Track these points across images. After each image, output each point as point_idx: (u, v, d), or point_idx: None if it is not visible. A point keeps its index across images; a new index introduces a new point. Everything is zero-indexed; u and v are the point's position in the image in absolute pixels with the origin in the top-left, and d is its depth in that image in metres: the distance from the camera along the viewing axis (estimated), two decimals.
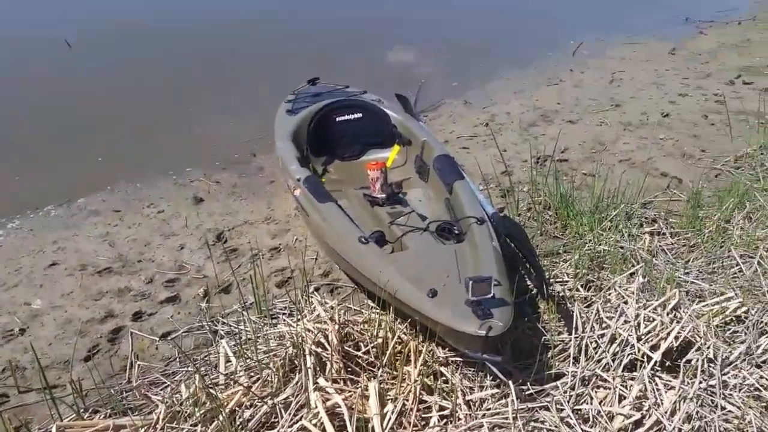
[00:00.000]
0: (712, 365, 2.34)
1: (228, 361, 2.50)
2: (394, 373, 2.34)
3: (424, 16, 9.00)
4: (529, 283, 2.94)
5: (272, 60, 6.90)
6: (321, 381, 2.25)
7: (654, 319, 2.54)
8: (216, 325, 2.87)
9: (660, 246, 3.26)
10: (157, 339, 2.83)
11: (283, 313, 2.87)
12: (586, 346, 2.47)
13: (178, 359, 2.67)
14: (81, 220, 3.95)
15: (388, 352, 2.39)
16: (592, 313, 2.65)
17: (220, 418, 2.10)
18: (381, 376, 2.33)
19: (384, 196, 3.36)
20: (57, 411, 2.26)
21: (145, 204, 4.12)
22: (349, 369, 2.38)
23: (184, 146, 4.95)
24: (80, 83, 6.38)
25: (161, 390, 2.45)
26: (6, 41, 7.58)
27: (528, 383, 2.29)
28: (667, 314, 2.55)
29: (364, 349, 2.45)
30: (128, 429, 2.14)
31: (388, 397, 2.21)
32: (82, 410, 2.32)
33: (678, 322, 2.51)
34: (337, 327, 2.47)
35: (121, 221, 3.91)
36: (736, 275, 2.94)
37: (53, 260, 3.49)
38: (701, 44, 7.39)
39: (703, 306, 2.65)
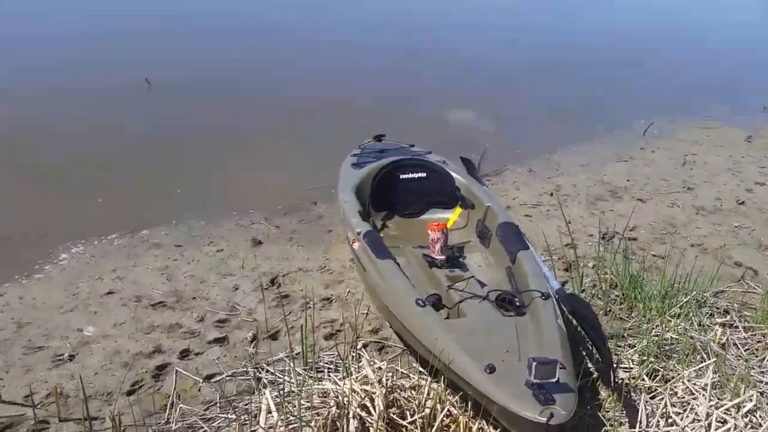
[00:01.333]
0: None
1: (269, 412, 2.42)
2: None
3: (490, 78, 9.08)
4: (591, 365, 2.76)
5: (341, 112, 7.05)
6: None
7: (727, 421, 2.33)
8: (260, 373, 2.82)
9: (732, 339, 3.04)
10: (201, 380, 2.79)
11: (329, 368, 2.79)
12: None
13: (219, 404, 2.61)
14: (142, 251, 4.02)
15: (435, 425, 2.27)
16: (658, 406, 2.46)
17: None
18: None
19: (443, 258, 3.29)
20: None
21: (206, 241, 4.18)
22: None
23: (248, 188, 5.04)
24: (158, 120, 6.68)
25: None
26: (92, 78, 8.05)
27: None
28: (743, 417, 2.34)
29: (410, 419, 2.33)
30: None
31: None
32: None
33: (754, 428, 2.29)
34: (384, 391, 2.37)
35: (181, 256, 3.96)
36: None
37: (110, 289, 3.55)
38: None
39: None
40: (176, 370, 2.85)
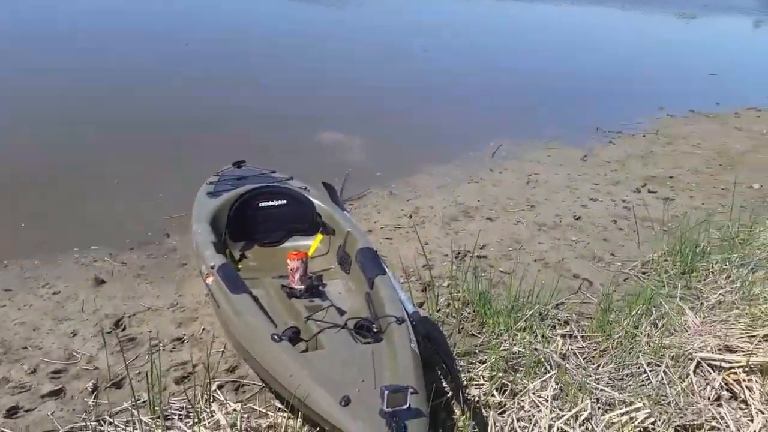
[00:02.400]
0: None
1: None
2: None
3: (351, 106, 9.25)
4: (445, 385, 2.86)
5: (197, 139, 6.78)
6: None
7: None
8: (102, 425, 2.59)
9: (572, 349, 3.29)
10: None
11: (180, 415, 2.63)
12: None
13: None
14: None
15: None
16: (506, 422, 2.59)
17: None
18: None
19: (303, 287, 3.25)
20: None
21: (41, 283, 3.79)
22: None
23: (90, 221, 4.66)
24: None
25: None
26: None
27: None
28: (580, 426, 2.54)
29: None
30: None
31: None
32: None
33: None
34: None
35: (10, 301, 3.56)
36: (643, 383, 2.98)
37: None
38: (610, 153, 7.94)
39: (614, 416, 2.65)
40: (2, 431, 2.54)
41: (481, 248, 4.60)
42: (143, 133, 6.72)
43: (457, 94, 10.57)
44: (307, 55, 12.05)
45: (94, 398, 2.79)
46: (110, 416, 2.63)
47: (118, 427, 2.55)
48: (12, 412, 2.69)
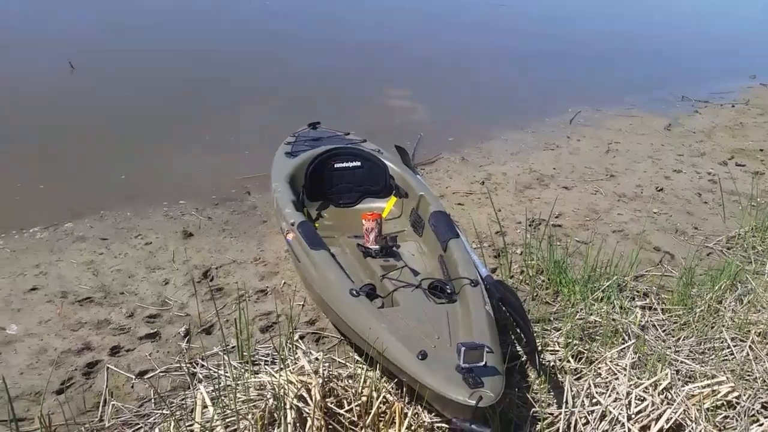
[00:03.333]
0: None
1: (205, 407, 2.40)
2: None
3: (427, 70, 9.18)
4: (519, 349, 2.89)
5: (275, 100, 6.97)
6: None
7: (645, 399, 2.50)
8: (195, 368, 2.78)
9: (651, 321, 3.24)
10: (134, 377, 2.73)
11: (266, 361, 2.79)
12: (576, 421, 2.41)
13: (153, 400, 2.56)
14: (66, 245, 3.85)
15: (372, 412, 2.32)
16: (582, 387, 2.60)
17: None
18: None
19: (377, 247, 3.33)
20: None
21: (134, 234, 4.04)
22: (331, 427, 2.29)
23: (178, 177, 4.91)
24: (80, 105, 6.38)
25: None
26: (10, 60, 7.60)
27: None
28: (659, 394, 2.51)
29: (347, 407, 2.37)
30: None
31: None
32: None
33: (669, 404, 2.47)
34: (320, 381, 2.39)
35: (107, 250, 3.82)
36: (726, 358, 2.91)
37: (34, 285, 3.39)
38: (696, 123, 7.57)
39: (694, 388, 2.61)
40: (107, 367, 2.77)
41: (556, 217, 4.54)
42: (215, 100, 6.96)
43: (534, 57, 10.29)
44: (384, 19, 12.00)
45: (187, 342, 2.99)
46: (202, 359, 2.82)
47: (210, 369, 2.74)
48: (115, 350, 2.92)
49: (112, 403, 2.53)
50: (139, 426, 2.39)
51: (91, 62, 7.76)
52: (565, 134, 6.80)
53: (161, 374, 2.75)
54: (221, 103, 6.78)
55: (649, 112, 7.90)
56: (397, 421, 2.28)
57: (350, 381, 2.52)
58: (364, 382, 2.45)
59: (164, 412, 2.44)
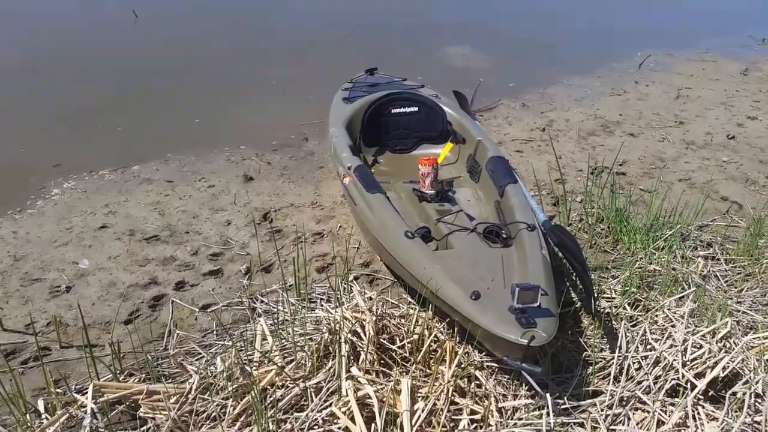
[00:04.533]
0: (759, 401, 2.22)
1: (264, 339, 2.51)
2: (428, 371, 2.31)
3: (487, 14, 8.87)
4: (574, 295, 2.86)
5: (331, 47, 6.93)
6: (354, 370, 2.24)
7: (702, 346, 2.44)
8: (255, 303, 2.90)
9: (713, 271, 3.13)
10: (197, 310, 2.88)
11: (321, 299, 2.88)
12: (628, 366, 2.39)
13: (215, 332, 2.70)
14: (134, 186, 4.04)
15: (423, 349, 2.37)
16: (637, 333, 2.56)
17: (252, 394, 2.11)
18: (414, 372, 2.30)
19: (433, 192, 3.32)
20: (95, 370, 2.31)
21: (197, 177, 4.18)
22: (383, 362, 2.36)
23: (239, 123, 5.01)
24: (146, 54, 6.54)
25: (196, 360, 2.49)
26: (75, 11, 7.83)
27: (564, 398, 2.23)
28: (717, 342, 2.45)
29: (399, 344, 2.43)
30: (161, 395, 2.17)
31: (419, 395, 2.17)
32: (118, 372, 2.37)
33: (727, 352, 2.40)
34: (374, 318, 2.45)
35: (172, 191, 3.98)
36: None
37: (103, 223, 3.58)
38: None
39: (755, 338, 2.52)
40: (172, 300, 2.93)
41: (620, 164, 4.38)
42: (274, 47, 6.99)
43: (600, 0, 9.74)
44: None
45: (248, 279, 3.11)
46: (262, 295, 2.94)
47: (269, 305, 2.85)
48: (179, 285, 3.08)
49: (176, 333, 2.69)
50: (201, 355, 2.53)
51: (154, 10, 7.90)
52: (633, 79, 6.49)
53: (223, 308, 2.89)
54: (284, 52, 6.80)
55: (724, 56, 7.39)
56: (447, 358, 2.32)
57: (402, 320, 2.57)
58: (416, 321, 2.49)
59: (225, 342, 2.57)
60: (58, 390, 2.25)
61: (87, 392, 2.16)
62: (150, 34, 7.23)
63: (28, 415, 2.13)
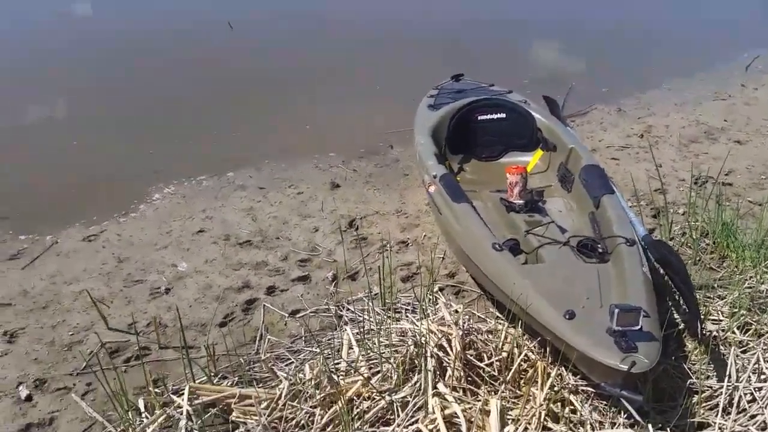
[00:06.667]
0: None
1: (350, 348, 2.52)
2: (518, 392, 2.23)
3: (577, 9, 8.55)
4: (677, 316, 2.67)
5: (416, 53, 6.92)
6: (440, 386, 2.20)
7: None
8: (341, 311, 2.93)
9: None
10: (287, 315, 2.94)
11: (407, 309, 2.86)
12: (740, 398, 2.20)
13: (303, 338, 2.75)
14: (229, 192, 4.20)
15: (513, 369, 2.29)
16: (749, 361, 2.35)
17: (339, 405, 2.12)
18: (503, 392, 2.22)
19: (522, 202, 3.22)
20: (191, 371, 2.40)
21: (288, 184, 4.30)
22: (470, 379, 2.29)
23: (326, 131, 5.11)
24: (241, 64, 6.80)
25: (286, 366, 2.54)
26: (176, 21, 8.26)
27: (668, 429, 2.08)
28: None
29: (487, 361, 2.36)
30: (253, 400, 2.23)
31: (510, 417, 2.10)
32: (212, 374, 2.46)
33: None
34: (461, 333, 2.40)
35: (264, 198, 4.11)
36: None
37: (201, 227, 3.74)
38: None
39: None
40: (264, 305, 3.01)
41: (726, 174, 4.09)
42: (360, 53, 7.08)
43: None
44: None
45: (334, 286, 3.15)
46: (348, 303, 2.96)
47: (355, 313, 2.87)
48: (270, 290, 3.16)
49: (267, 338, 2.75)
50: (290, 360, 2.58)
51: (248, 21, 8.21)
52: (740, 82, 6.06)
53: (311, 314, 2.93)
54: (359, 61, 6.87)
55: None
56: (539, 380, 2.23)
57: (490, 336, 2.50)
58: (505, 337, 2.42)
59: (314, 349, 2.60)
60: (157, 390, 2.35)
61: (183, 394, 2.24)
62: (242, 44, 7.51)
63: (129, 413, 2.24)
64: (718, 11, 8.59)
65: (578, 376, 2.26)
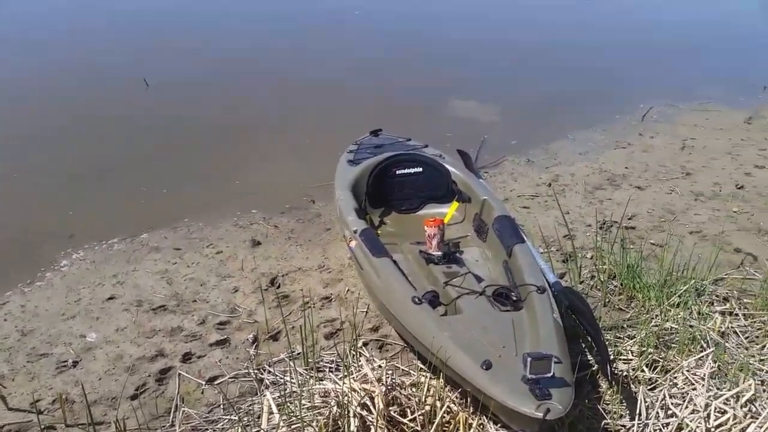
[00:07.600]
0: None
1: (271, 413, 2.44)
2: None
3: (487, 71, 9.03)
4: (590, 358, 2.78)
5: (336, 108, 7.04)
6: None
7: (726, 411, 2.35)
8: (262, 374, 2.85)
9: (732, 327, 3.05)
10: (204, 383, 2.82)
11: (330, 367, 2.82)
12: None
13: (222, 406, 2.64)
14: (142, 255, 4.04)
15: (435, 422, 2.29)
16: (657, 397, 2.47)
17: None
18: None
19: (440, 253, 3.30)
20: None
21: (205, 243, 4.18)
22: None
23: (246, 188, 5.02)
24: (156, 121, 6.66)
25: None
26: (86, 79, 8.04)
27: None
28: (741, 407, 2.36)
29: (410, 416, 2.36)
30: None
31: None
32: None
33: (754, 418, 2.31)
34: (384, 389, 2.39)
35: (180, 259, 3.98)
36: None
37: (111, 294, 3.57)
38: None
39: None
40: (179, 374, 2.88)
41: (629, 218, 4.36)
42: (277, 111, 7.10)
43: (600, 54, 9.91)
44: (445, 22, 11.94)
45: (255, 349, 3.06)
46: (269, 365, 2.88)
47: (277, 375, 2.79)
48: (186, 357, 3.03)
49: (182, 408, 2.63)
50: (208, 430, 2.46)
51: (163, 78, 8.10)
52: (637, 131, 6.54)
53: (230, 380, 2.83)
54: (277, 118, 6.91)
55: (727, 105, 7.45)
56: (461, 431, 2.24)
57: (414, 389, 2.50)
58: (428, 390, 2.43)
59: (232, 417, 2.51)
60: None
61: None
62: (157, 102, 7.38)
63: None
64: (615, 68, 9.29)
65: (499, 425, 2.29)
